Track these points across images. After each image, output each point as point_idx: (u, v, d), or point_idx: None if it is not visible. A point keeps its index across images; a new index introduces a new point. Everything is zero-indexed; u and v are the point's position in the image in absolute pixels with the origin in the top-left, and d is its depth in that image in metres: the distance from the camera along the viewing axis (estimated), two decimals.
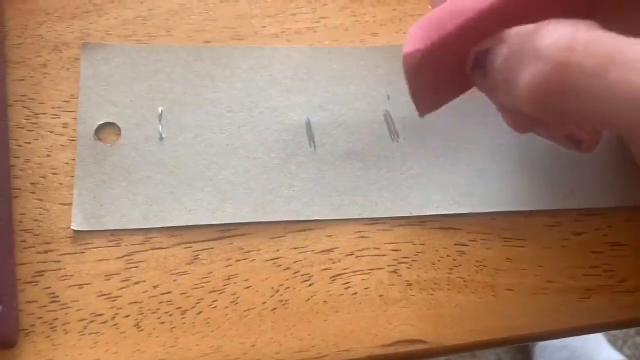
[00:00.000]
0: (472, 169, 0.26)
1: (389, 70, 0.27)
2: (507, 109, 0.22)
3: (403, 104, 0.27)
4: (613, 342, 0.92)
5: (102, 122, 0.25)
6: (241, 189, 0.25)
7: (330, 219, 0.25)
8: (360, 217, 0.25)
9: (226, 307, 0.24)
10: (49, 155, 0.25)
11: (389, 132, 0.26)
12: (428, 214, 0.25)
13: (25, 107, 0.26)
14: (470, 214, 0.26)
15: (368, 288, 0.24)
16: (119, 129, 0.25)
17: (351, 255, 0.25)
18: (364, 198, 0.25)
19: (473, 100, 0.24)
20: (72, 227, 0.24)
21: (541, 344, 0.88)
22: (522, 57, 0.17)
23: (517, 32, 0.18)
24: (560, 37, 0.16)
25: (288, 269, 0.24)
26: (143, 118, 0.26)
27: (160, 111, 0.26)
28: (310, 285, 0.24)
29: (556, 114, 0.17)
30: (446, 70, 0.22)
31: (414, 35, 0.21)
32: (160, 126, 0.26)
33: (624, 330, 0.99)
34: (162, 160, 0.25)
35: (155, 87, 0.26)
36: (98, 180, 0.25)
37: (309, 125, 0.26)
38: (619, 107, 0.16)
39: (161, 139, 0.25)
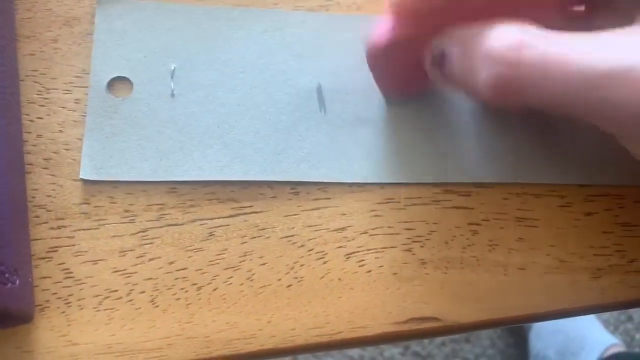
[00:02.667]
0: (483, 138, 0.26)
1: None
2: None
3: None
4: (604, 328, 0.93)
5: (114, 76, 0.25)
6: (250, 148, 0.25)
7: (338, 181, 0.25)
8: (366, 181, 0.25)
9: (241, 284, 0.24)
10: (61, 131, 0.25)
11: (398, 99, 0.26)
12: (436, 181, 0.25)
13: (36, 82, 0.25)
14: (481, 185, 0.26)
15: (382, 266, 0.24)
16: (131, 83, 0.25)
17: (365, 233, 0.25)
18: (373, 163, 0.25)
19: None
20: (81, 176, 0.24)
21: (536, 327, 0.89)
22: (476, 59, 0.20)
23: (465, 33, 0.20)
24: (509, 38, 0.19)
25: (302, 246, 0.24)
26: (155, 74, 0.26)
27: (172, 68, 0.26)
28: (325, 262, 0.24)
29: (514, 104, 0.20)
30: (407, 65, 0.23)
31: (377, 31, 0.23)
32: (172, 83, 0.26)
33: (615, 316, 1.01)
34: (172, 116, 0.25)
35: (168, 45, 0.26)
36: (108, 132, 0.25)
37: (319, 90, 0.26)
38: (560, 93, 0.19)
39: (172, 95, 0.25)
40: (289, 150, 0.25)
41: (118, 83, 0.25)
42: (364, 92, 0.26)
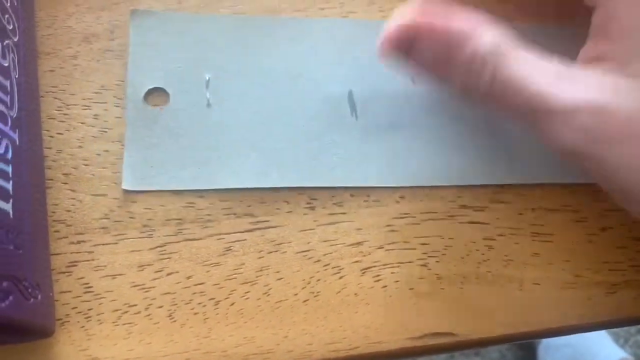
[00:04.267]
0: (511, 141, 0.26)
1: None
2: None
3: None
4: (614, 341, 0.92)
5: (151, 87, 0.26)
6: (285, 155, 0.26)
7: (372, 185, 0.26)
8: (399, 185, 0.26)
9: (258, 298, 0.24)
10: (80, 147, 0.25)
11: (429, 104, 0.27)
12: (467, 184, 0.26)
13: (56, 98, 0.26)
14: (497, 200, 0.26)
15: (398, 281, 0.25)
16: (167, 94, 0.26)
17: (381, 248, 0.25)
18: (405, 167, 0.26)
19: None
20: (123, 187, 0.24)
21: (545, 341, 0.88)
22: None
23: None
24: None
25: (318, 261, 0.25)
26: (190, 84, 0.26)
27: (207, 78, 0.26)
28: (341, 277, 0.24)
29: None
30: None
31: None
32: (207, 92, 0.26)
33: (626, 329, 1.00)
34: (209, 125, 0.26)
35: (201, 55, 0.27)
36: (147, 142, 0.25)
37: (350, 96, 0.26)
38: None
39: (208, 105, 0.26)
40: (322, 156, 0.26)
41: (155, 94, 0.26)
42: (395, 97, 0.27)
